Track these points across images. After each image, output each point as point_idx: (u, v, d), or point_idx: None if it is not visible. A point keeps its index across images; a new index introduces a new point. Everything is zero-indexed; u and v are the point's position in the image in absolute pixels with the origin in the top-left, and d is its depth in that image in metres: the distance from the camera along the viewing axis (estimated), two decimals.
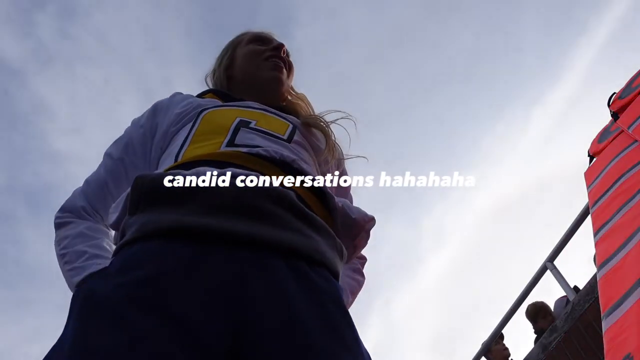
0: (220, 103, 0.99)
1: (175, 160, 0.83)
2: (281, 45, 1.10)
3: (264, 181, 0.72)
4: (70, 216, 0.91)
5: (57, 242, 0.88)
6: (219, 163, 0.76)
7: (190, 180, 0.69)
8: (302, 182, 0.79)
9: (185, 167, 0.75)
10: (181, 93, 1.04)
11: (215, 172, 0.71)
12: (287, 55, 1.13)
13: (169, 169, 0.77)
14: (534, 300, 3.81)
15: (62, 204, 0.94)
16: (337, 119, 1.05)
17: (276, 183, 0.74)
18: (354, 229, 0.83)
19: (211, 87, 1.15)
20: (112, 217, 0.75)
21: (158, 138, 0.94)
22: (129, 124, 1.01)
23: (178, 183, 0.69)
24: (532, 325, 3.81)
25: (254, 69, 1.08)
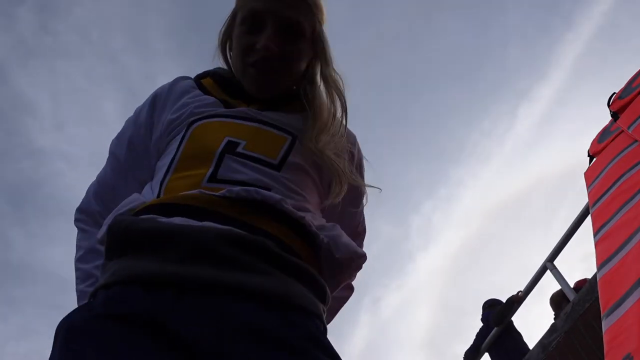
0: (214, 110, 0.90)
1: (159, 190, 0.82)
2: (268, 46, 0.85)
3: (238, 233, 0.71)
4: (87, 221, 0.96)
5: (76, 248, 0.95)
6: (197, 211, 0.74)
7: (163, 232, 0.70)
8: (285, 223, 0.77)
9: (163, 209, 0.75)
10: (186, 78, 0.97)
11: (191, 225, 0.71)
12: (293, 36, 0.88)
13: (149, 205, 0.77)
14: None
15: (78, 204, 0.99)
16: (364, 185, 0.97)
17: (251, 231, 0.73)
18: (340, 266, 0.81)
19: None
20: (100, 232, 0.79)
21: (153, 146, 0.93)
22: (123, 117, 1.00)
23: (149, 226, 0.71)
24: (555, 312, 3.88)
25: (240, 71, 0.91)
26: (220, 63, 1.00)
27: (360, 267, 0.85)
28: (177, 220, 0.72)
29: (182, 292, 0.64)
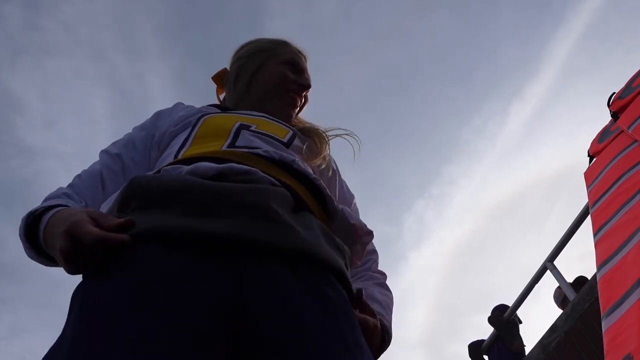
0: (220, 111, 1.02)
1: (175, 158, 0.83)
2: (308, 87, 1.13)
3: (264, 178, 0.73)
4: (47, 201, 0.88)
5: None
6: (219, 160, 0.76)
7: (185, 179, 0.69)
8: (301, 182, 0.79)
9: (184, 163, 0.76)
10: (183, 103, 1.08)
11: (215, 166, 0.72)
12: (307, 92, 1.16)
13: (168, 165, 0.78)
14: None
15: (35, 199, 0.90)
16: (341, 134, 1.08)
17: (275, 181, 0.74)
18: (351, 235, 0.81)
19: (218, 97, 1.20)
20: (103, 210, 0.74)
21: (157, 138, 0.97)
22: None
23: (172, 178, 0.70)
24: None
25: (273, 93, 1.09)
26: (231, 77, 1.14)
27: (367, 244, 0.86)
28: (201, 164, 0.73)
29: (205, 252, 0.61)
